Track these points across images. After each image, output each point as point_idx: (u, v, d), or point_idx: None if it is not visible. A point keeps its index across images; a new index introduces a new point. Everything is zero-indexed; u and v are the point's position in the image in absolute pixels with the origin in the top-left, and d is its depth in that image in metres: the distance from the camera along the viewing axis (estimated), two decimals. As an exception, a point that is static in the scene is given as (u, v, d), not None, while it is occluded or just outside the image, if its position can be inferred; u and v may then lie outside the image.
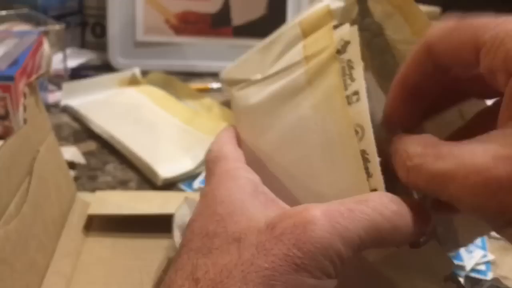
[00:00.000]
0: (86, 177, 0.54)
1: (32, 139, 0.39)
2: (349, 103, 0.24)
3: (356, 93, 0.24)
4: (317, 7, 0.27)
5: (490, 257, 0.45)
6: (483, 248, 0.45)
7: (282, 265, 0.19)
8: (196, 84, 0.81)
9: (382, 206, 0.20)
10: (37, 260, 0.37)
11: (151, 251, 0.41)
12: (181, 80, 0.78)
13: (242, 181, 0.23)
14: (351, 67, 0.24)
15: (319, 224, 0.19)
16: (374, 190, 0.23)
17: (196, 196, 0.49)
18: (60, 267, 0.39)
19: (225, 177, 0.24)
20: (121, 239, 0.43)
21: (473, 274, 0.44)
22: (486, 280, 0.43)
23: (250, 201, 0.22)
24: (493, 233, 0.49)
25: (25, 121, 0.38)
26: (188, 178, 0.54)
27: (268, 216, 0.21)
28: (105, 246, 0.43)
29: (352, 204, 0.20)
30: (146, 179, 0.54)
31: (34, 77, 0.40)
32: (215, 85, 0.81)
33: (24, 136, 0.37)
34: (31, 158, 0.38)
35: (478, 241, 0.46)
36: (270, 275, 0.19)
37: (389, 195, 0.22)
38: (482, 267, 0.44)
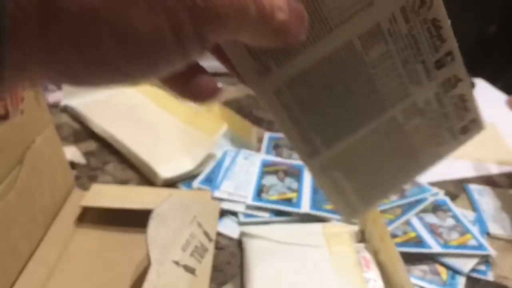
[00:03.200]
0: (86, 177, 0.54)
1: (26, 129, 0.39)
2: (441, 66, 0.25)
3: (449, 53, 0.24)
4: None
5: (490, 257, 0.45)
6: (483, 248, 0.45)
7: None
8: (196, 84, 0.81)
9: None
10: (19, 247, 0.37)
11: (138, 246, 0.40)
12: (181, 80, 0.78)
13: None
14: (438, 27, 0.23)
15: None
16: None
17: (186, 194, 0.49)
18: (45, 255, 0.39)
19: None
20: (111, 232, 0.44)
21: (473, 274, 0.44)
22: (486, 280, 0.43)
23: None
24: (493, 233, 0.49)
25: (21, 112, 0.38)
26: (188, 178, 0.54)
27: None
28: (94, 238, 0.43)
29: None
30: (146, 179, 0.54)
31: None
32: (215, 85, 0.81)
33: (17, 126, 0.37)
34: (24, 147, 0.38)
35: (478, 241, 0.46)
36: None
37: None
38: (482, 267, 0.44)
